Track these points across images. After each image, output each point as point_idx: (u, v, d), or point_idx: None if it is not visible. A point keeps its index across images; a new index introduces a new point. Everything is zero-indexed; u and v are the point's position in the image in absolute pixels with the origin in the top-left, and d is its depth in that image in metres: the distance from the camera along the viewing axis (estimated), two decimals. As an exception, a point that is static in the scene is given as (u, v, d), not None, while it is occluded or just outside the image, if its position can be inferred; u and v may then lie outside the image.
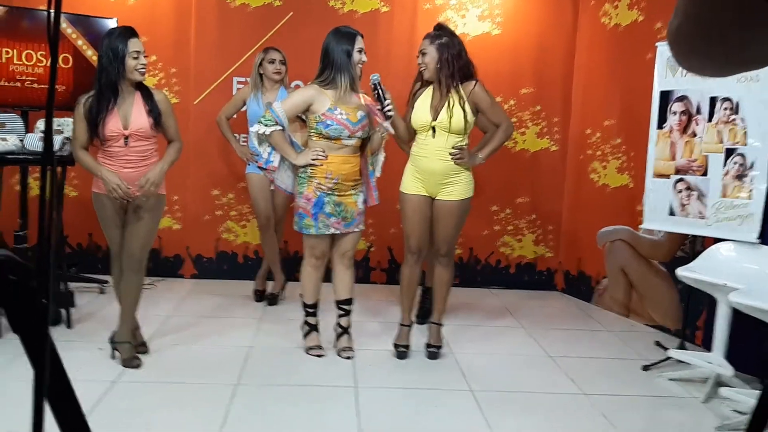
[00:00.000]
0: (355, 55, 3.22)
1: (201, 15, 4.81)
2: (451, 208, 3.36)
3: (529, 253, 5.22)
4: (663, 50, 3.68)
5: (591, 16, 4.83)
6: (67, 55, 4.22)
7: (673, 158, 3.61)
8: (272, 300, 4.43)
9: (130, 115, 3.02)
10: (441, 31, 3.34)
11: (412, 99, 3.42)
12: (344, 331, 3.49)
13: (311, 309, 3.50)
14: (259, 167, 3.41)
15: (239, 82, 4.84)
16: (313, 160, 3.22)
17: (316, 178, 3.25)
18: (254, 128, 3.30)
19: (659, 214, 3.69)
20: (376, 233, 5.12)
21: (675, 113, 3.60)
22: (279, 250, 4.53)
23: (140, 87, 3.07)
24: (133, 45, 2.97)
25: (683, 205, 3.57)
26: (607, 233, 4.70)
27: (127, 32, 2.98)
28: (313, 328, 3.51)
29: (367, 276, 5.15)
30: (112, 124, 2.98)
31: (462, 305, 4.63)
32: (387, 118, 3.19)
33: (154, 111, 3.05)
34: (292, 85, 4.71)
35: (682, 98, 3.57)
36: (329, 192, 3.25)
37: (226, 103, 4.44)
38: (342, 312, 3.49)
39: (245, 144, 4.65)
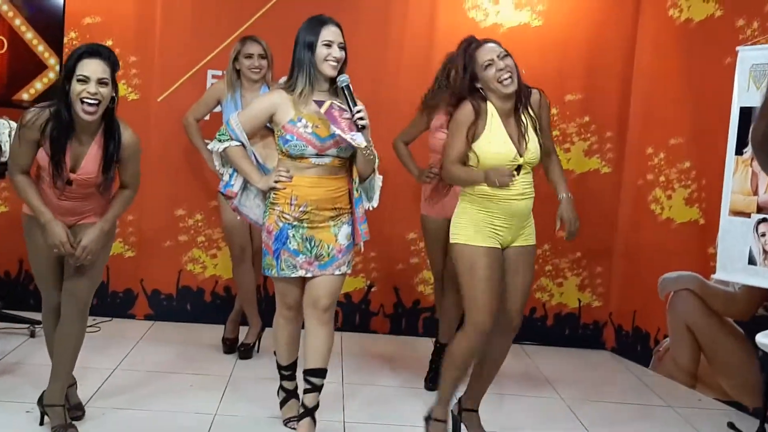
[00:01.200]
0: (320, 50, 3.08)
1: (169, -8, 4.87)
2: (531, 255, 3.27)
3: (571, 300, 5.18)
4: (745, 56, 3.67)
5: (656, 7, 4.83)
6: (0, 37, 4.26)
7: (755, 192, 3.59)
8: (245, 352, 4.42)
9: (81, 159, 2.97)
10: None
11: (462, 125, 3.14)
12: (307, 412, 3.23)
13: (287, 372, 3.45)
14: (218, 192, 3.35)
15: (215, 77, 4.87)
16: (276, 182, 3.12)
17: (278, 204, 3.14)
18: (210, 145, 3.28)
19: (736, 262, 3.65)
20: (380, 269, 5.11)
21: (759, 136, 3.58)
22: (257, 288, 4.52)
23: (108, 123, 2.97)
24: (83, 67, 2.85)
25: (766, 252, 3.54)
26: (671, 281, 4.66)
27: (86, 53, 2.87)
28: (291, 394, 3.47)
29: (366, 323, 5.13)
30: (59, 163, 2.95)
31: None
32: (359, 128, 3.02)
33: (108, 163, 2.98)
34: (281, 82, 4.73)
35: (768, 117, 3.55)
36: (295, 223, 3.13)
37: (197, 101, 4.46)
38: (308, 386, 3.23)
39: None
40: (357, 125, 3.03)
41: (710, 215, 4.27)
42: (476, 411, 3.41)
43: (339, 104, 3.11)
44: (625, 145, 5.05)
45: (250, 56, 4.22)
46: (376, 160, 3.18)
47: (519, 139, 3.14)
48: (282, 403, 3.48)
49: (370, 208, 3.27)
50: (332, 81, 3.14)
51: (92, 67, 2.84)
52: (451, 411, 3.37)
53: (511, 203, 3.15)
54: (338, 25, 3.15)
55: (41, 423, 3.20)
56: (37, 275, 3.20)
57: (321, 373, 3.23)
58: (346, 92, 3.06)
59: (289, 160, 3.13)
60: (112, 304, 4.99)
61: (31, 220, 3.07)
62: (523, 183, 3.16)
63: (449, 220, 4.09)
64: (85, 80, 2.83)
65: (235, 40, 4.51)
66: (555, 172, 3.36)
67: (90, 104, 2.84)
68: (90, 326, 4.48)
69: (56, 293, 3.15)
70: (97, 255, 3.05)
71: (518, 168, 3.13)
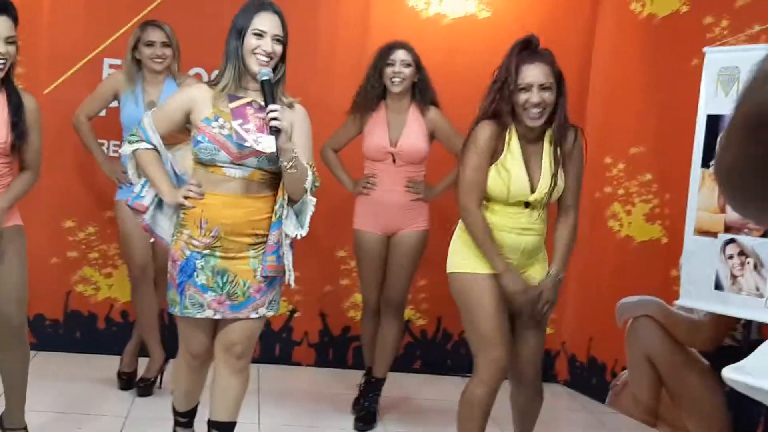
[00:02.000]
0: (249, 40, 2.95)
1: (61, -33, 4.77)
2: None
3: (520, 328, 5.25)
4: (713, 58, 3.78)
5: (617, 0, 4.95)
6: None
7: (723, 210, 3.69)
8: (145, 388, 4.37)
9: None
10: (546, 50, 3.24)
11: (482, 151, 3.18)
12: None
13: (183, 418, 3.37)
14: (127, 205, 3.20)
15: (112, 66, 4.80)
16: (185, 198, 2.97)
17: (187, 227, 2.99)
18: (122, 149, 3.25)
19: (702, 286, 3.75)
20: (304, 291, 5.08)
21: (727, 147, 3.69)
22: (159, 314, 4.47)
23: (7, 85, 3.08)
24: None
25: (734, 277, 3.65)
26: (630, 306, 4.76)
27: None
28: None
29: (288, 354, 5.11)
30: None
31: (425, 401, 4.61)
32: (272, 132, 2.86)
33: (19, 124, 3.07)
34: (191, 73, 4.70)
35: (737, 127, 3.67)
36: (205, 251, 2.97)
37: (89, 95, 4.41)
38: None
39: (116, 155, 4.59)
40: (270, 128, 2.86)
41: (674, 234, 4.37)
42: None
43: (261, 104, 2.98)
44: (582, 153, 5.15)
45: (151, 44, 4.18)
46: (308, 178, 2.97)
47: (534, 174, 3.20)
48: None
49: (299, 237, 3.03)
50: None
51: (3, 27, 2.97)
52: None
53: (511, 236, 3.23)
54: (278, 13, 3.01)
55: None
56: None
57: (230, 427, 3.15)
58: (264, 88, 2.94)
59: (202, 169, 3.00)
60: (-13, 331, 4.85)
61: None
62: (529, 218, 3.24)
63: (388, 237, 4.18)
64: None
65: (135, 26, 4.45)
66: (561, 236, 3.36)
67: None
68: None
69: None
70: None
71: (527, 204, 3.21)
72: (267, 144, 2.89)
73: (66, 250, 4.91)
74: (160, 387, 4.42)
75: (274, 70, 3.00)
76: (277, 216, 2.97)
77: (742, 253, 3.62)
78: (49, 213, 4.82)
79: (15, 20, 3.05)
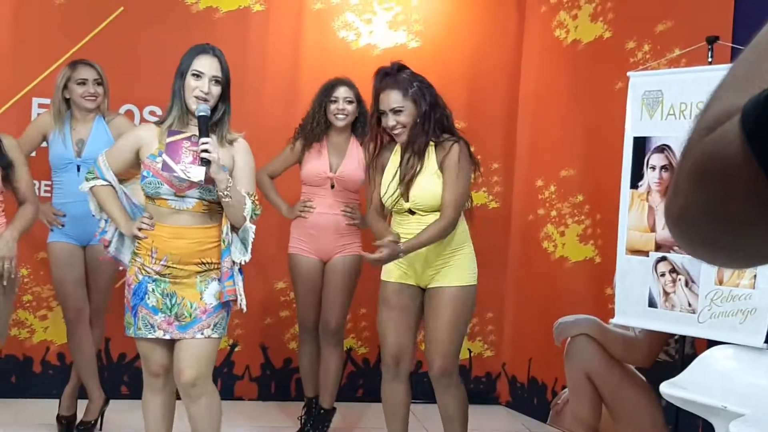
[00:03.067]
0: (189, 80, 3.13)
1: (-15, 6, 4.66)
2: (445, 297, 3.50)
3: (461, 351, 5.25)
4: (637, 82, 3.86)
5: (542, 28, 5.04)
6: None
7: (653, 229, 3.75)
8: (85, 431, 4.25)
9: None
10: (404, 70, 3.52)
11: (374, 165, 3.62)
12: None
13: None
14: (99, 240, 3.42)
15: (42, 106, 4.70)
16: (139, 229, 3.15)
17: (140, 256, 3.18)
18: (81, 185, 3.36)
19: (635, 304, 3.80)
20: (244, 325, 5.01)
21: (654, 168, 3.76)
22: (97, 354, 4.36)
23: None
24: None
25: (667, 294, 3.71)
26: (567, 325, 4.80)
27: None
28: None
29: (229, 389, 5.01)
30: None
31: (371, 429, 4.57)
32: (202, 163, 3.03)
33: (2, 162, 3.19)
34: (121, 110, 4.64)
35: (662, 148, 3.74)
36: (156, 276, 3.14)
37: (19, 137, 4.28)
38: None
39: (47, 196, 4.49)
40: (201, 158, 3.03)
41: (607, 253, 4.43)
42: None
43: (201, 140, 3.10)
44: (513, 177, 5.21)
45: (83, 82, 4.12)
46: (246, 206, 3.11)
47: (407, 184, 3.46)
48: None
49: (243, 262, 3.19)
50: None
51: None
52: None
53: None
54: (218, 57, 3.19)
55: None
56: None
57: None
58: (200, 123, 3.09)
59: (150, 203, 3.19)
60: None
61: None
62: (421, 225, 3.44)
63: (323, 262, 4.20)
64: None
65: (63, 65, 4.37)
66: (424, 230, 3.43)
67: None
68: None
69: None
70: (11, 263, 3.26)
71: (410, 211, 3.48)
72: (195, 174, 3.06)
73: (-2, 293, 4.76)
74: (101, 429, 4.32)
75: (214, 109, 3.17)
76: (225, 244, 3.14)
77: (673, 270, 3.68)
78: (-21, 256, 4.69)
79: None
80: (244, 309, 3.22)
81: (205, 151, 3.01)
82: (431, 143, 3.48)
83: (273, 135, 4.46)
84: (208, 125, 3.11)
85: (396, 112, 3.41)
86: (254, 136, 4.72)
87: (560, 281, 4.84)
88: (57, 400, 4.38)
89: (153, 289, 3.14)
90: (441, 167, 3.45)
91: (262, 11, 4.93)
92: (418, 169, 3.44)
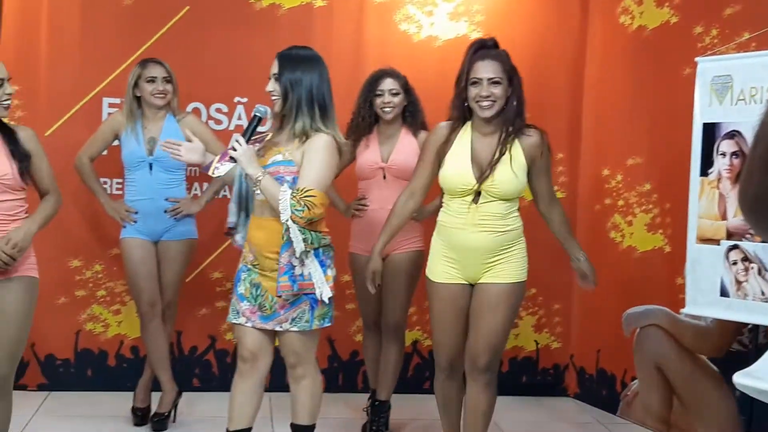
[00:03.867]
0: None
1: (56, 10, 4.79)
2: (499, 294, 3.40)
3: (527, 343, 5.25)
4: (705, 67, 3.79)
5: (606, 15, 4.98)
6: None
7: (724, 217, 3.70)
8: (159, 423, 4.34)
9: None
10: (498, 48, 3.43)
11: (428, 150, 3.48)
12: None
13: None
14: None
15: (112, 105, 4.81)
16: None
17: (246, 245, 3.36)
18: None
19: (707, 294, 3.75)
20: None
21: (724, 155, 3.70)
22: (169, 347, 4.46)
23: None
24: None
25: (739, 283, 3.65)
26: (637, 316, 4.75)
27: None
28: None
29: (298, 381, 5.08)
30: None
31: (434, 420, 4.57)
32: (231, 159, 3.22)
33: (19, 153, 3.13)
34: (189, 109, 4.71)
35: (732, 134, 3.68)
36: (250, 266, 3.31)
37: (91, 137, 4.42)
38: None
39: (119, 194, 4.60)
40: (230, 155, 3.21)
41: (676, 242, 4.37)
42: None
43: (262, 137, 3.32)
44: (579, 166, 5.16)
45: (153, 80, 4.20)
46: (281, 201, 3.11)
47: (486, 166, 3.31)
48: None
49: (297, 255, 3.17)
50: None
51: (2, 70, 3.10)
52: None
53: (460, 234, 3.35)
54: (278, 56, 3.32)
55: None
56: None
57: (304, 429, 3.44)
58: (250, 121, 3.30)
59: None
60: (-2, 374, 4.82)
61: None
62: (481, 215, 3.33)
63: (383, 259, 4.17)
64: (1, 84, 3.09)
65: (133, 64, 4.47)
66: (561, 227, 3.58)
67: (6, 107, 3.13)
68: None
69: None
70: (22, 254, 3.11)
71: (477, 194, 3.32)
72: (221, 170, 3.29)
73: (74, 289, 4.90)
74: (174, 421, 4.40)
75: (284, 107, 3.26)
76: (285, 239, 3.16)
77: (745, 258, 3.62)
78: (55, 253, 4.81)
79: None
80: (325, 300, 3.23)
81: (232, 149, 3.19)
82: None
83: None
84: (255, 125, 3.27)
85: (493, 83, 3.29)
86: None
87: (629, 271, 4.79)
88: (132, 393, 4.48)
89: (245, 278, 3.30)
90: (528, 157, 3.35)
91: (324, 6, 4.98)
92: (508, 152, 3.32)
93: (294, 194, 3.11)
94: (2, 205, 3.07)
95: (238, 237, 3.40)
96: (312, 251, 3.20)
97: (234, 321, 3.33)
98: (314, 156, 3.19)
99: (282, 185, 3.15)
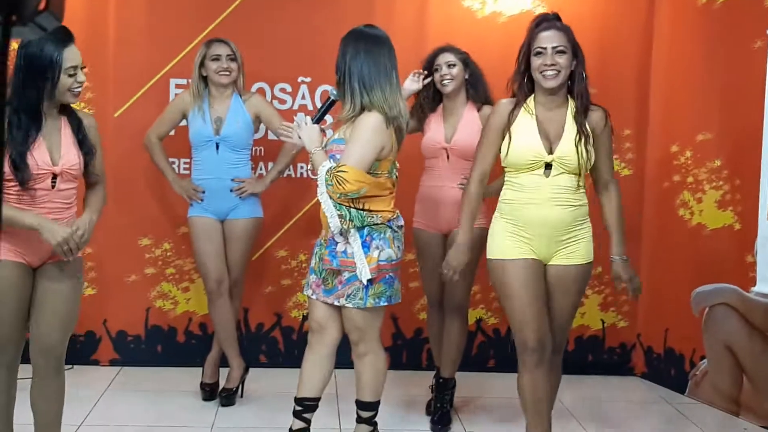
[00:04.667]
0: None
1: (124, -7, 4.89)
2: (572, 277, 3.35)
3: (594, 322, 5.22)
4: (778, 39, 3.71)
5: (674, -13, 4.89)
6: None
7: (797, 193, 3.62)
8: (227, 398, 4.43)
9: (60, 148, 3.07)
10: (560, 22, 3.35)
11: (496, 125, 3.36)
12: None
13: (298, 406, 3.49)
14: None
15: (179, 86, 4.89)
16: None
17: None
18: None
19: (779, 271, 3.69)
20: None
21: (797, 129, 3.62)
22: (237, 324, 4.54)
23: (65, 110, 3.13)
24: (71, 56, 3.00)
25: (813, 260, 3.58)
26: (706, 294, 4.69)
27: (62, 37, 2.97)
28: None
29: (363, 358, 5.13)
30: (40, 160, 3.02)
31: (500, 399, 4.60)
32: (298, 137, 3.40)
33: (85, 144, 3.13)
34: (253, 88, 4.76)
35: (806, 108, 3.59)
36: (322, 240, 3.39)
37: (159, 116, 4.50)
38: (357, 417, 3.57)
39: (186, 173, 4.68)
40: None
41: (747, 219, 4.30)
42: None
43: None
44: (647, 143, 5.09)
45: (217, 58, 4.26)
46: (318, 176, 3.25)
47: (553, 137, 3.26)
48: None
49: (333, 232, 3.29)
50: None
51: (77, 55, 3.05)
52: None
53: (533, 209, 3.27)
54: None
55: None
56: None
57: (368, 406, 3.53)
58: (323, 103, 3.44)
59: None
60: (72, 349, 4.83)
61: None
62: (554, 188, 3.26)
63: (445, 236, 4.18)
64: (74, 72, 3.03)
65: (199, 44, 4.54)
66: (611, 215, 3.46)
67: (77, 93, 3.08)
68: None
69: (12, 348, 3.11)
70: (86, 243, 3.12)
71: (548, 167, 3.24)
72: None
73: (143, 267, 5.02)
74: (242, 396, 4.49)
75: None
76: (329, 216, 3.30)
77: (819, 235, 3.54)
78: (125, 232, 4.94)
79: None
80: (364, 280, 3.25)
81: (288, 128, 3.39)
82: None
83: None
84: (327, 107, 3.42)
85: (558, 51, 3.21)
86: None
87: (698, 249, 4.72)
88: (200, 368, 4.58)
89: (316, 252, 3.42)
90: (593, 132, 3.28)
91: (387, -17, 4.99)
92: (584, 130, 3.26)
93: (330, 170, 3.20)
94: (63, 193, 3.09)
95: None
96: (355, 230, 3.24)
97: (305, 292, 3.48)
98: (357, 134, 3.25)
99: (330, 162, 3.25)
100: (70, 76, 3.00)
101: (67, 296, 3.12)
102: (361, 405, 3.53)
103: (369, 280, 3.26)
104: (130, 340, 5.06)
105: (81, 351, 4.99)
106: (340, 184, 3.17)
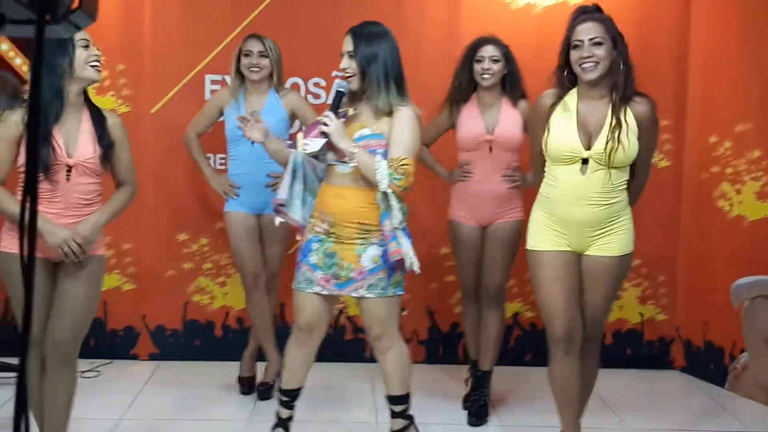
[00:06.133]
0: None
1: (158, -10, 4.95)
2: (606, 268, 3.34)
3: (632, 315, 5.19)
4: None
5: (712, -25, 4.84)
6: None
7: (838, 183, 3.58)
8: (265, 392, 4.47)
9: (76, 139, 3.11)
10: (602, 13, 3.31)
11: (542, 112, 3.35)
12: None
13: (284, 397, 3.61)
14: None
15: (214, 83, 4.94)
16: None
17: (313, 216, 3.46)
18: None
19: (820, 263, 3.65)
20: (411, 289, 5.08)
21: (838, 118, 3.57)
22: (273, 318, 4.58)
23: (89, 104, 3.18)
24: (80, 32, 3.04)
25: None
26: (745, 287, 4.65)
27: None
28: (281, 423, 3.60)
29: (399, 352, 5.15)
30: (55, 151, 3.06)
31: (537, 393, 4.60)
32: (323, 135, 3.31)
33: (104, 139, 3.15)
34: (287, 84, 4.79)
35: None
36: (323, 236, 3.38)
37: (197, 112, 4.56)
38: (390, 412, 3.60)
39: (222, 168, 4.72)
40: (321, 131, 3.31)
41: (787, 210, 4.26)
42: None
43: (344, 112, 3.42)
44: (685, 134, 5.05)
45: (248, 54, 4.29)
46: (377, 170, 3.25)
47: (593, 131, 3.22)
48: (272, 429, 3.62)
49: (396, 225, 3.30)
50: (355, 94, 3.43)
51: (85, 33, 3.04)
52: None
53: (565, 207, 3.27)
54: (351, 33, 3.42)
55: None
56: (19, 316, 3.24)
57: (399, 400, 3.54)
58: (335, 97, 3.39)
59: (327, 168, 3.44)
60: (112, 344, 5.06)
61: (9, 258, 3.12)
62: (588, 186, 3.24)
63: (482, 228, 4.20)
64: (87, 44, 3.06)
65: (235, 41, 4.58)
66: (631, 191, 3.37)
67: (96, 68, 3.10)
68: (88, 371, 4.62)
69: (41, 340, 3.17)
70: (89, 248, 3.12)
71: (585, 162, 3.22)
72: (312, 146, 3.34)
73: (181, 262, 5.08)
74: (278, 390, 4.51)
75: (363, 83, 3.37)
76: (383, 208, 3.30)
77: None
78: (163, 228, 5.01)
79: None
80: (417, 270, 3.32)
81: (324, 124, 3.28)
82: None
83: (432, 100, 4.44)
84: (341, 100, 3.37)
85: (595, 43, 3.18)
86: (413, 101, 4.81)
87: (737, 241, 4.69)
88: (238, 363, 4.63)
89: (317, 248, 3.37)
90: (639, 125, 3.22)
91: (419, -24, 4.99)
92: (620, 123, 3.19)
93: (390, 164, 3.24)
94: (81, 188, 3.12)
95: (293, 214, 3.49)
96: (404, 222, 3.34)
97: (307, 290, 3.40)
98: (403, 128, 3.31)
99: (376, 157, 3.26)
100: (85, 47, 3.06)
101: (82, 296, 3.16)
102: (392, 399, 3.56)
103: (393, 269, 3.34)
104: (169, 334, 5.13)
105: (120, 346, 5.08)
106: (407, 177, 3.25)
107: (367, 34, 3.37)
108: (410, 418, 3.59)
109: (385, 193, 3.26)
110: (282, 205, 3.46)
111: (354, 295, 3.39)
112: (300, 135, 3.41)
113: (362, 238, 3.32)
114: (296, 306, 3.49)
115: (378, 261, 3.32)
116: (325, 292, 3.39)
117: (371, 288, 3.35)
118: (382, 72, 3.32)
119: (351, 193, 3.33)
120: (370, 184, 3.30)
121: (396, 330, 3.50)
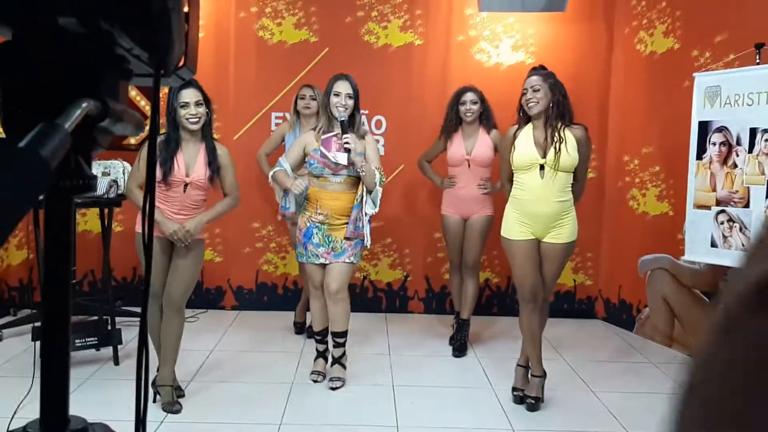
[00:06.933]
0: (332, 98, 3.46)
1: (239, 53, 4.96)
2: (558, 251, 3.31)
3: (568, 281, 5.19)
4: (700, 80, 3.66)
5: (626, 43, 4.82)
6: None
7: (714, 189, 3.57)
8: (311, 332, 4.46)
9: (193, 165, 3.16)
10: (545, 70, 3.31)
11: (508, 140, 3.33)
12: (335, 361, 3.63)
13: (318, 336, 3.69)
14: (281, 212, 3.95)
15: (277, 118, 4.96)
16: (291, 186, 3.41)
17: (308, 211, 3.51)
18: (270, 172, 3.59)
19: (701, 245, 3.65)
20: (413, 262, 5.14)
21: (714, 144, 3.57)
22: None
23: (206, 140, 3.19)
24: (183, 96, 3.07)
25: (725, 237, 3.53)
26: (648, 261, 4.65)
27: (182, 84, 3.06)
28: (320, 354, 3.69)
29: (405, 305, 5.17)
30: (177, 170, 3.11)
31: (500, 335, 4.62)
32: (346, 151, 3.38)
33: (213, 164, 3.17)
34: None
35: (721, 129, 3.54)
36: (319, 224, 3.47)
37: (266, 138, 4.57)
38: (334, 343, 3.62)
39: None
40: (344, 147, 3.38)
41: (678, 208, 4.25)
42: (539, 376, 3.44)
43: (343, 136, 3.43)
44: (606, 154, 5.04)
45: (303, 97, 4.30)
46: (376, 177, 3.42)
47: (544, 146, 3.20)
48: (314, 360, 3.69)
49: (373, 213, 3.50)
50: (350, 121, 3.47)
51: (190, 95, 3.07)
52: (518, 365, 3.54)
53: (532, 204, 3.24)
54: (350, 80, 3.48)
55: (154, 400, 3.26)
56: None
57: (342, 334, 3.59)
58: (341, 125, 3.39)
59: (314, 179, 3.49)
60: (206, 299, 5.10)
61: (139, 236, 3.15)
62: (546, 186, 3.21)
63: (464, 220, 4.21)
64: (185, 106, 3.08)
65: (294, 88, 4.59)
66: (573, 191, 3.34)
67: (192, 122, 3.10)
68: (190, 317, 4.64)
69: (160, 295, 3.23)
70: (192, 235, 3.14)
71: (542, 168, 3.20)
72: (341, 159, 3.41)
73: (254, 242, 5.10)
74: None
75: (352, 116, 3.47)
76: (357, 201, 3.45)
77: (730, 219, 3.50)
78: (242, 219, 5.02)
79: (200, 90, 3.12)
80: (368, 245, 3.54)
81: (347, 143, 3.36)
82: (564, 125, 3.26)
83: (432, 132, 4.48)
84: (347, 126, 3.41)
85: (535, 90, 3.20)
86: (418, 133, 4.84)
87: (643, 230, 4.68)
88: (293, 312, 4.64)
89: (316, 233, 3.48)
90: (578, 143, 3.21)
91: (421, 44, 4.99)
92: (561, 139, 3.18)
93: (378, 171, 3.44)
94: (193, 197, 3.17)
95: (289, 213, 3.91)
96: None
97: (315, 262, 3.50)
98: (373, 147, 3.54)
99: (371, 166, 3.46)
100: (182, 107, 3.08)
101: (188, 267, 3.20)
102: (336, 334, 3.59)
103: (359, 245, 3.51)
104: (246, 292, 5.15)
105: (212, 300, 5.11)
106: (383, 177, 3.47)
107: (353, 82, 3.49)
108: (344, 346, 3.62)
109: (368, 192, 3.44)
110: (285, 213, 3.81)
111: (346, 261, 3.47)
112: (317, 153, 3.46)
113: (346, 223, 3.47)
114: (309, 273, 3.59)
115: (346, 234, 3.46)
116: (327, 262, 3.49)
117: (355, 257, 3.49)
118: (358, 107, 3.50)
119: (342, 195, 3.47)
120: (353, 188, 3.46)
121: (346, 287, 3.56)
